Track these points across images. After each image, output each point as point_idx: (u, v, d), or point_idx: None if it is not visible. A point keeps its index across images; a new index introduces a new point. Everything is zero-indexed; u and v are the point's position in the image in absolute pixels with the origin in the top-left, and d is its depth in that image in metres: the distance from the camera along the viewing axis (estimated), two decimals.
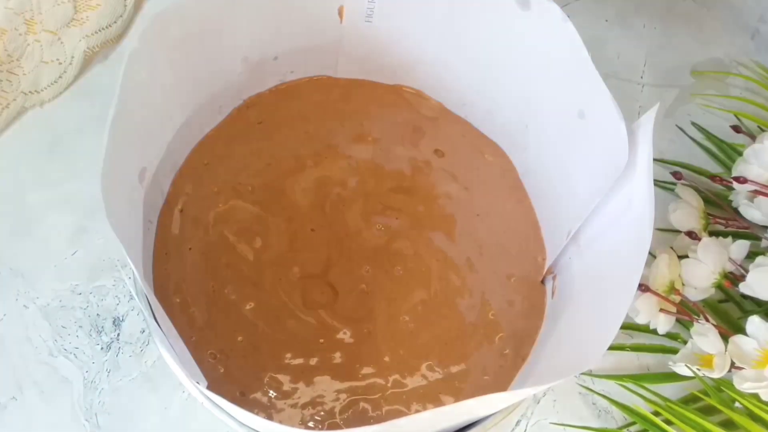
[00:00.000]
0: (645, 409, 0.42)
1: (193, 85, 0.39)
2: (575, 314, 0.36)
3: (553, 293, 0.40)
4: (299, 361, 0.38)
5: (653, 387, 0.43)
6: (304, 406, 0.37)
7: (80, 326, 0.43)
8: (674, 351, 0.43)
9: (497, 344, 0.39)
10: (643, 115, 0.33)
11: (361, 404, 0.37)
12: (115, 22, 0.51)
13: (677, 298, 0.42)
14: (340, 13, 0.41)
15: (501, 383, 0.38)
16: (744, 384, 0.38)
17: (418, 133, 0.44)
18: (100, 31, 0.51)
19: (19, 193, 0.47)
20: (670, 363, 0.41)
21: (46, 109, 0.50)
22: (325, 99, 0.45)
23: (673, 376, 0.43)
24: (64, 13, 0.52)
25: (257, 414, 0.30)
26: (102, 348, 0.43)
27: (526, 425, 0.43)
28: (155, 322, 0.32)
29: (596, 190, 0.36)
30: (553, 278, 0.40)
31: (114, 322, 0.43)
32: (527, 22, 0.37)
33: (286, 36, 0.41)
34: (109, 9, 0.52)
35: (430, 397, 0.38)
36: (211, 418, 0.41)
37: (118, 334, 0.43)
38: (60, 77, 0.50)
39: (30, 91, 0.49)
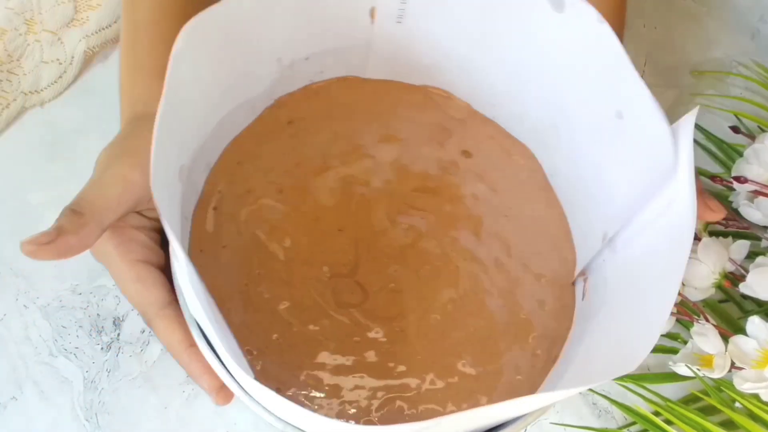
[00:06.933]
0: (645, 409, 0.42)
1: (230, 86, 0.39)
2: (610, 316, 0.36)
3: (583, 295, 0.40)
4: (335, 359, 0.38)
5: (653, 387, 0.43)
6: (340, 404, 0.37)
7: (80, 326, 0.43)
8: (674, 351, 0.43)
9: (530, 344, 0.39)
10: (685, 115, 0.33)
11: (397, 402, 0.37)
12: (115, 22, 0.51)
13: (677, 298, 0.42)
14: (372, 14, 0.41)
15: (533, 383, 0.38)
16: (744, 384, 0.38)
17: (445, 134, 0.44)
18: (100, 31, 0.51)
19: (19, 193, 0.47)
20: (671, 363, 0.41)
21: (46, 109, 0.50)
22: (354, 99, 0.45)
23: (674, 376, 0.43)
24: (64, 13, 0.52)
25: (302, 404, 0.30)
26: (102, 348, 0.43)
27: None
28: (210, 315, 0.32)
29: (639, 192, 0.35)
30: (585, 280, 0.40)
31: (114, 322, 0.43)
32: (561, 23, 0.37)
33: (318, 36, 0.41)
34: (109, 9, 0.52)
35: (464, 396, 0.38)
36: (210, 417, 0.41)
37: (118, 334, 0.43)
38: (60, 77, 0.50)
39: (30, 91, 0.49)
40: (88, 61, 0.51)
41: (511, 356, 0.39)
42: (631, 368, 0.29)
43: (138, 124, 0.36)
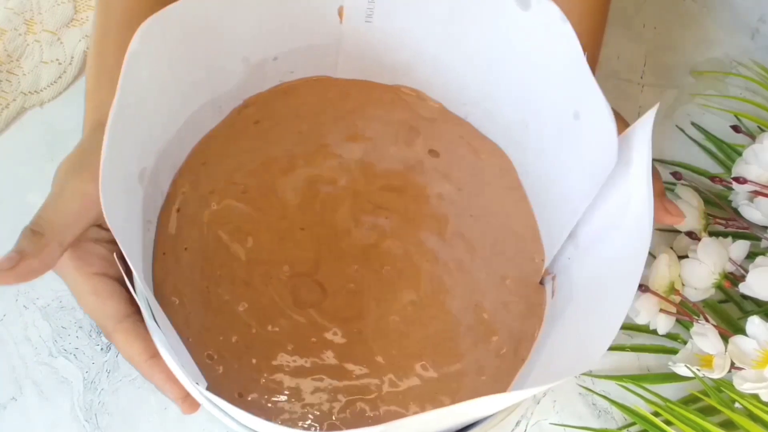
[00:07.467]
0: (645, 409, 0.42)
1: (194, 86, 0.39)
2: (575, 315, 0.36)
3: (553, 293, 0.40)
4: (293, 361, 0.38)
5: (653, 387, 0.43)
6: (302, 407, 0.37)
7: (80, 327, 0.43)
8: (674, 351, 0.43)
9: (493, 345, 0.39)
10: (643, 115, 0.33)
11: (359, 404, 0.37)
12: None
13: (677, 299, 0.42)
14: (340, 14, 0.41)
15: (500, 384, 0.38)
16: (744, 384, 0.38)
17: (413, 133, 0.44)
18: None
19: (19, 193, 0.46)
20: (670, 363, 0.41)
21: (45, 109, 0.50)
22: (321, 99, 0.45)
23: (673, 377, 0.43)
24: (63, 13, 0.52)
25: (257, 415, 0.30)
26: (102, 348, 0.43)
27: (526, 425, 0.43)
28: (155, 324, 0.32)
29: (592, 191, 0.36)
30: (553, 279, 0.40)
31: None
32: (527, 22, 0.37)
33: (286, 36, 0.41)
34: None
35: (427, 398, 0.38)
36: (209, 418, 0.41)
37: None
38: (60, 77, 0.50)
39: (29, 92, 0.49)
40: None
41: (474, 357, 0.38)
42: (584, 368, 0.29)
43: (99, 132, 0.34)
